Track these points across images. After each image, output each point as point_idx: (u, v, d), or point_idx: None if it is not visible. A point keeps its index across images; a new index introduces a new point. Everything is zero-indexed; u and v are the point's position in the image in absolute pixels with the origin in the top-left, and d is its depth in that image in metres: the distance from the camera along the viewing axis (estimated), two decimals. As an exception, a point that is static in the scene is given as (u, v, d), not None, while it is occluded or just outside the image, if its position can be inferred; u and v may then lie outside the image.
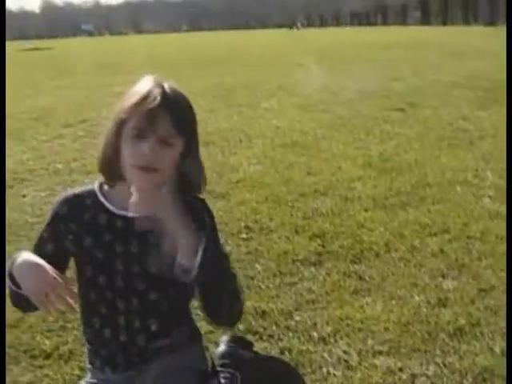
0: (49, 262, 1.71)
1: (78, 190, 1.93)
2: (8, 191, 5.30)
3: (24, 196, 5.17)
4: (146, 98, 1.73)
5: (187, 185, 1.85)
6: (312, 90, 10.16)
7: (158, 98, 1.73)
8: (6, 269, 1.71)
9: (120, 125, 1.77)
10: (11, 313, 3.13)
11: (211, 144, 6.19)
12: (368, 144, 6.50)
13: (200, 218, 1.87)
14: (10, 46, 33.29)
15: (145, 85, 1.77)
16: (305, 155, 6.03)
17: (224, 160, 5.66)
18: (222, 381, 2.18)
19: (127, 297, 1.87)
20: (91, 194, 1.90)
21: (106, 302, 1.88)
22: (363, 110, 8.41)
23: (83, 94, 10.87)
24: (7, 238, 4.14)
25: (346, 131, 7.12)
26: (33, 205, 4.87)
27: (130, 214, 1.85)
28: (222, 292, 1.78)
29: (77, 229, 1.86)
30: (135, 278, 1.86)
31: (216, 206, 4.47)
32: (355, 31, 41.93)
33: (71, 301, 1.64)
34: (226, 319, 1.87)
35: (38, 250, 1.86)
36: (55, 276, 1.63)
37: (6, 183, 5.50)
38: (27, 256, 1.71)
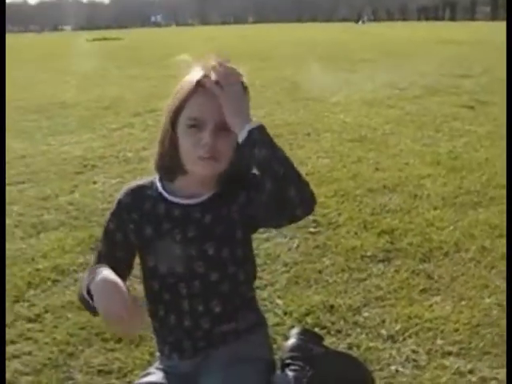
0: (120, 251, 1.82)
1: (141, 180, 1.98)
2: (77, 177, 5.45)
3: (95, 182, 5.27)
4: (196, 87, 1.74)
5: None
6: (379, 85, 10.05)
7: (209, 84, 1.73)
8: (85, 280, 1.74)
9: (174, 117, 1.79)
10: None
11: (279, 136, 6.21)
12: (437, 141, 6.40)
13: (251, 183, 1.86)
14: (78, 36, 33.96)
15: (196, 74, 1.77)
16: (373, 150, 5.98)
17: (292, 153, 5.57)
18: (291, 373, 2.19)
19: (189, 281, 1.91)
20: (152, 184, 1.94)
21: (169, 289, 1.93)
22: (431, 107, 8.27)
23: (151, 84, 11.00)
24: (79, 223, 4.26)
25: (414, 127, 7.02)
26: (103, 191, 4.97)
27: (187, 202, 1.89)
28: (287, 170, 1.70)
29: (138, 218, 1.90)
30: (195, 262, 1.89)
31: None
32: (422, 26, 41.26)
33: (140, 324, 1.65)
34: (299, 201, 1.72)
35: (108, 241, 1.94)
36: (131, 301, 1.62)
37: (76, 169, 5.64)
38: (107, 274, 1.69)
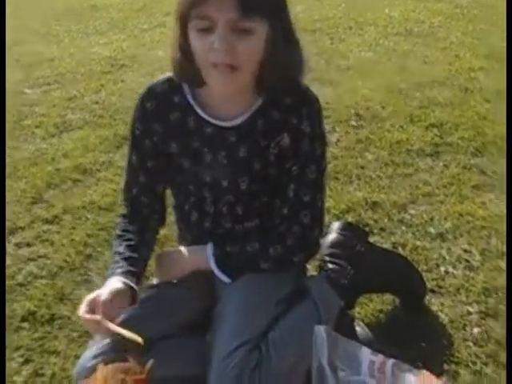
0: (152, 160, 1.71)
1: (166, 81, 1.71)
2: (105, 77, 5.20)
3: (122, 81, 5.04)
4: None
5: (282, 77, 1.58)
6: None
7: None
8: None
9: (183, 20, 1.49)
10: (104, 196, 3.06)
11: (318, 31, 5.79)
12: (490, 34, 5.95)
13: (295, 127, 1.67)
14: None
15: None
16: (420, 44, 5.58)
17: (332, 47, 5.26)
18: (330, 273, 1.95)
19: (216, 205, 1.78)
20: (181, 89, 1.68)
21: (195, 207, 1.80)
22: (484, 0, 7.73)
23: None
24: (104, 121, 4.10)
25: (464, 21, 6.54)
26: (131, 89, 4.72)
27: (220, 124, 1.66)
28: None
29: (163, 131, 1.70)
30: (225, 193, 1.73)
31: (323, 93, 4.17)
32: None
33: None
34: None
35: (137, 150, 1.76)
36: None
37: (104, 69, 5.41)
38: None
